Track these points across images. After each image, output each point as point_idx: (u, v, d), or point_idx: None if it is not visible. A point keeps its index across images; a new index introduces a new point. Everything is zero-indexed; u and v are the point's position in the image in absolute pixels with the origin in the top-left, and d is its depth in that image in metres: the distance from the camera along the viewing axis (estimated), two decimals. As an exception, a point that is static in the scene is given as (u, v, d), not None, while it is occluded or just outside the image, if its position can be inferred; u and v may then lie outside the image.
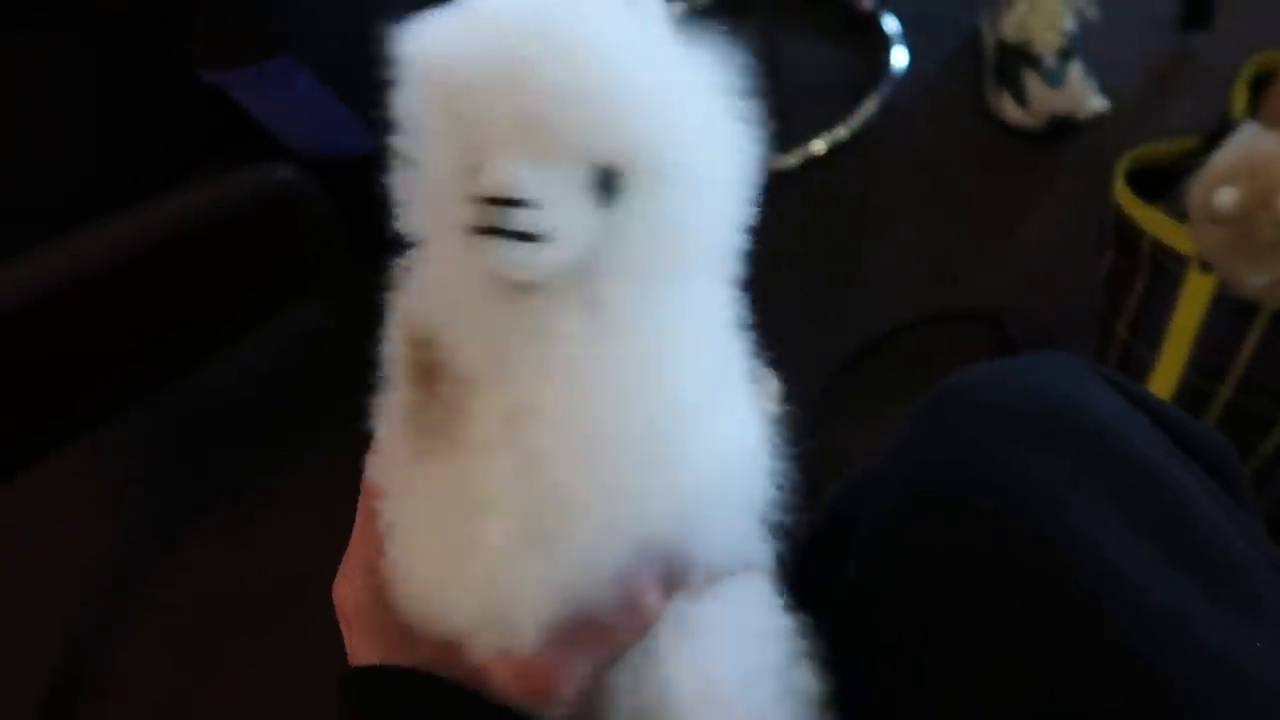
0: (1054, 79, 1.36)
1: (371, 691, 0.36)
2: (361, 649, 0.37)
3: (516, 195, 0.32)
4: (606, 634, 0.36)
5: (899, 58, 1.55)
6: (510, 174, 0.32)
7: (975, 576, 0.38)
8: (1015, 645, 0.37)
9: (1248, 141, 0.82)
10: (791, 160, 1.45)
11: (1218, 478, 0.42)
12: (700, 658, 0.37)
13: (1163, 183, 0.93)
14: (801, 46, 1.60)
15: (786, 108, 1.49)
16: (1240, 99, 0.92)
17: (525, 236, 0.32)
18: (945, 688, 0.38)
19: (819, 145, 1.46)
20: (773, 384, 1.25)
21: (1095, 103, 1.37)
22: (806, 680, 0.41)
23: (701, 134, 0.36)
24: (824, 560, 0.47)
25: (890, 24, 1.59)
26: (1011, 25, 1.40)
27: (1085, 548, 0.37)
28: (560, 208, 0.33)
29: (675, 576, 0.38)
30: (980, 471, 0.40)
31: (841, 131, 1.47)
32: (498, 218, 0.32)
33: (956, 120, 1.47)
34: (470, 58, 0.33)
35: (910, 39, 1.57)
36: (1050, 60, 1.37)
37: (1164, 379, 0.93)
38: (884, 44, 1.57)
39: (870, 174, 1.43)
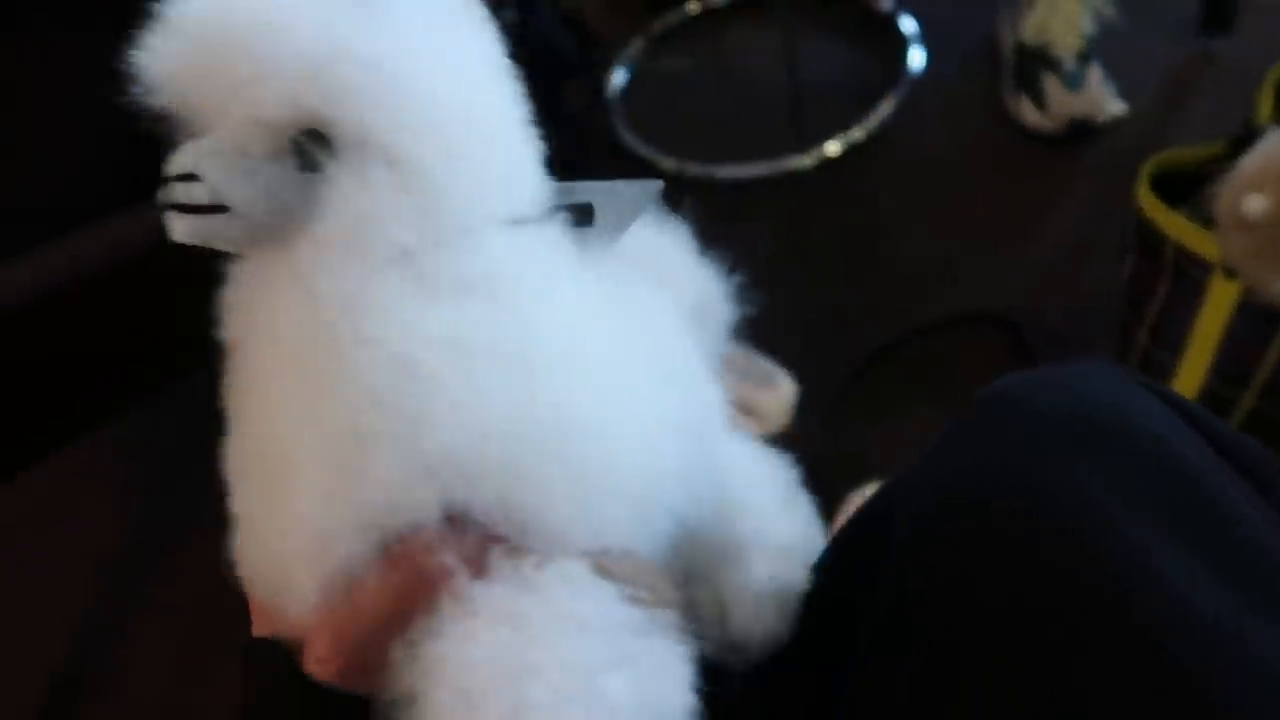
0: (1073, 82, 1.35)
1: (247, 660, 0.40)
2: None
3: (185, 171, 0.34)
4: (375, 602, 0.36)
5: (916, 59, 1.54)
6: (182, 152, 0.35)
7: (1010, 582, 0.38)
8: (1050, 652, 0.36)
9: (1275, 148, 0.82)
10: (807, 161, 1.44)
11: (1249, 479, 0.41)
12: (468, 643, 0.34)
13: (1185, 187, 0.92)
14: (818, 47, 1.59)
15: (802, 108, 1.48)
16: (1265, 105, 0.92)
17: (200, 209, 0.34)
18: (981, 692, 0.38)
19: (834, 147, 1.45)
20: (789, 387, 1.23)
21: (1114, 106, 1.36)
22: (630, 686, 0.34)
23: (425, 98, 0.36)
24: (857, 564, 0.46)
25: (908, 25, 1.59)
26: (1031, 28, 1.39)
27: (1123, 551, 0.36)
28: (236, 178, 0.34)
29: (477, 550, 0.36)
30: (1015, 476, 0.39)
31: (858, 133, 1.46)
32: (172, 193, 0.34)
33: (974, 123, 1.46)
34: (166, 56, 0.36)
35: (928, 40, 1.56)
36: (1070, 63, 1.35)
37: (1185, 385, 0.92)
38: (901, 45, 1.56)
39: (886, 176, 1.42)
